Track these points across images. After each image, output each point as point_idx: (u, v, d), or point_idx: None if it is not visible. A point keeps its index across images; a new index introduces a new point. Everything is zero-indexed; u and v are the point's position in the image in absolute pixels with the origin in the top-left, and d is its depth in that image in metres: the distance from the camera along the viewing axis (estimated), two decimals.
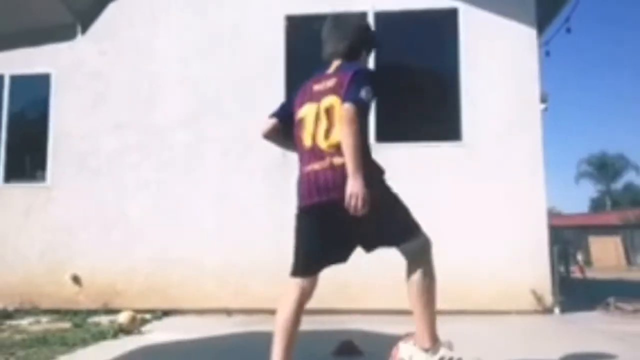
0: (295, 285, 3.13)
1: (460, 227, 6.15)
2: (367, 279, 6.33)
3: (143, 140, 6.92)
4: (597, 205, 52.66)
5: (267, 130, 3.20)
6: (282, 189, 6.65)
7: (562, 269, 11.04)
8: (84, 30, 3.39)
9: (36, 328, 5.46)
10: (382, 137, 6.55)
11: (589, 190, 69.03)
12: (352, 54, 3.16)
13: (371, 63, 6.64)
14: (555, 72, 74.17)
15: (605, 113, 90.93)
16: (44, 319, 6.05)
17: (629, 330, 5.02)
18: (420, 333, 3.00)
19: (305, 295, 3.13)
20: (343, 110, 2.76)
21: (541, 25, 7.14)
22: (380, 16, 6.73)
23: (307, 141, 2.93)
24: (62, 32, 3.46)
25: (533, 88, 6.30)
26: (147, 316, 5.99)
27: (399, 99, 6.66)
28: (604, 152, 52.22)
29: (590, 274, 15.37)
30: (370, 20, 6.73)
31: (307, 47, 6.89)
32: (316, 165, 2.87)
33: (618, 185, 53.30)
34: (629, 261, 25.28)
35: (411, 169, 6.48)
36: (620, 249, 25.45)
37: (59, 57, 6.88)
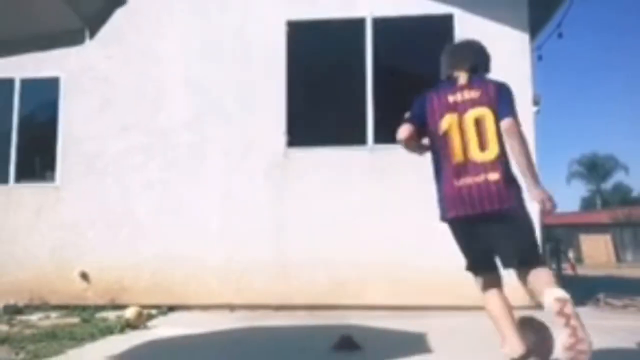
0: (484, 279, 3.06)
1: None
2: (365, 277, 6.34)
3: (148, 141, 6.93)
4: (587, 204, 52.67)
5: (408, 136, 3.10)
6: (282, 189, 6.67)
7: (554, 266, 11.04)
8: (92, 35, 3.39)
9: (46, 323, 5.46)
10: (380, 139, 6.58)
11: (580, 189, 68.96)
12: (477, 69, 3.17)
13: (369, 67, 6.70)
14: (547, 76, 74.17)
15: (596, 115, 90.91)
16: (53, 315, 6.05)
17: (618, 325, 5.03)
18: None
19: (498, 283, 3.04)
20: (508, 124, 2.87)
21: (533, 31, 7.15)
22: (378, 22, 6.74)
23: (458, 155, 2.93)
24: (71, 38, 3.46)
25: (526, 91, 6.31)
26: (153, 311, 5.99)
27: (397, 102, 6.66)
28: (595, 153, 52.27)
29: (581, 270, 15.39)
30: (369, 25, 6.74)
31: (307, 52, 6.94)
32: (469, 180, 2.89)
33: (608, 185, 53.34)
34: (619, 258, 25.29)
35: (409, 169, 6.49)
36: (610, 247, 25.47)
37: (68, 62, 6.88)
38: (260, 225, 6.59)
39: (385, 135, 6.55)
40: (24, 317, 5.87)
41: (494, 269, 3.04)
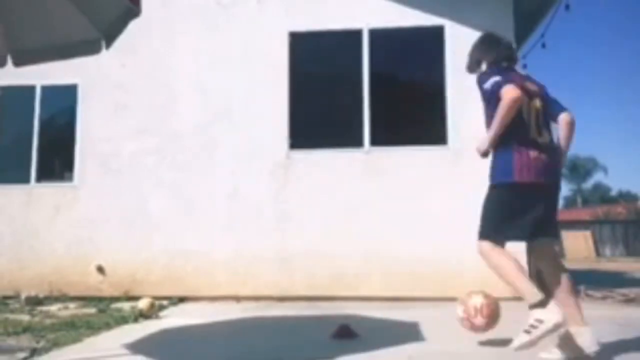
0: (503, 247, 3.09)
1: (448, 221, 6.15)
2: (362, 270, 6.34)
3: (160, 144, 6.92)
4: (569, 202, 52.64)
5: (520, 95, 3.00)
6: (284, 188, 6.67)
7: None
8: (108, 45, 3.39)
9: (64, 313, 5.46)
10: (376, 141, 6.58)
11: (562, 189, 68.81)
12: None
13: (366, 75, 6.69)
14: None
15: (577, 119, 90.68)
16: (72, 305, 6.05)
17: (598, 315, 5.02)
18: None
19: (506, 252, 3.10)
20: (569, 117, 3.24)
21: (519, 41, 7.16)
22: (374, 33, 6.74)
23: (532, 132, 3.09)
24: (88, 47, 3.45)
25: None
26: (164, 302, 5.99)
27: (391, 108, 6.67)
28: (576, 154, 52.22)
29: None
30: (365, 36, 6.74)
31: (308, 61, 6.94)
32: (535, 153, 3.03)
33: (588, 184, 53.39)
34: (598, 253, 25.29)
35: (402, 169, 6.49)
36: (590, 242, 25.45)
37: (86, 70, 6.87)
38: (264, 221, 6.59)
39: (381, 138, 6.58)
40: (44, 308, 5.87)
41: (525, 239, 3.19)
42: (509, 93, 2.94)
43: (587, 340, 2.94)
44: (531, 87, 3.18)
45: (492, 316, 3.44)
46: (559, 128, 3.25)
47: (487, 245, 3.09)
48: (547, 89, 3.30)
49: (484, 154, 3.18)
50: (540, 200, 3.06)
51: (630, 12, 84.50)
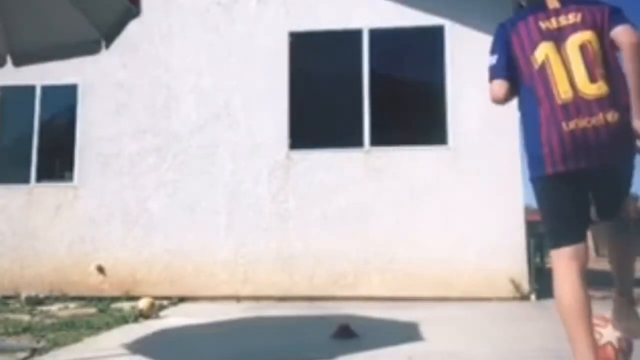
0: (567, 257, 2.23)
1: (447, 221, 6.15)
2: (361, 270, 6.34)
3: (161, 144, 6.92)
4: None
5: (506, 94, 2.32)
6: (284, 188, 6.67)
7: (537, 259, 11.04)
8: (108, 45, 3.39)
9: (65, 313, 5.46)
10: (376, 141, 6.57)
11: None
12: None
13: (366, 75, 6.69)
14: None
15: None
16: (72, 305, 6.04)
17: (598, 315, 5.02)
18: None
19: (582, 263, 2.28)
20: (624, 35, 2.14)
21: None
22: (374, 33, 6.73)
23: (564, 91, 2.15)
24: (88, 47, 3.46)
25: None
26: (165, 302, 5.99)
27: (391, 108, 6.67)
28: None
29: None
30: (365, 36, 6.74)
31: (308, 61, 6.94)
32: (583, 122, 2.11)
33: None
34: (598, 253, 25.25)
35: (402, 169, 6.49)
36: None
37: (85, 70, 6.86)
38: (264, 221, 6.59)
39: (381, 138, 6.57)
40: (44, 308, 5.87)
41: (583, 239, 2.31)
42: (490, 95, 2.36)
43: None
44: (567, 20, 2.25)
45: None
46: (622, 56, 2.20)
47: (553, 255, 2.32)
48: (613, 7, 2.27)
49: None
50: (590, 189, 2.26)
51: (630, 12, 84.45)
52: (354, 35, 6.75)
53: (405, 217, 6.31)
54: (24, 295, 6.28)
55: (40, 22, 3.42)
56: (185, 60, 7.04)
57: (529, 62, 2.27)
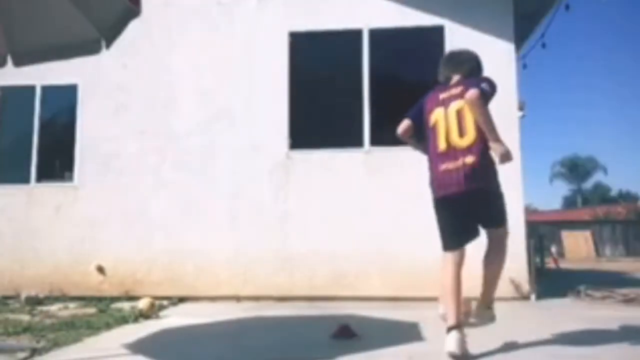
0: (450, 256, 3.29)
1: None
2: (361, 270, 6.34)
3: (161, 144, 6.92)
4: (569, 202, 52.66)
5: (404, 130, 3.47)
6: (284, 188, 6.67)
7: (537, 260, 11.04)
8: (108, 45, 3.39)
9: (65, 313, 5.46)
10: (376, 141, 6.57)
11: (562, 189, 68.81)
12: (472, 74, 3.43)
13: (366, 75, 6.69)
14: (532, 83, 74.08)
15: (577, 119, 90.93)
16: (72, 305, 6.04)
17: (598, 315, 5.03)
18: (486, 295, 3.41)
19: (459, 263, 3.27)
20: (468, 95, 3.11)
21: (519, 41, 7.14)
22: (374, 33, 6.74)
23: (441, 144, 3.21)
24: (89, 47, 3.46)
25: (511, 98, 6.30)
26: (165, 302, 5.99)
27: (391, 108, 6.66)
28: (576, 154, 52.26)
29: (563, 264, 15.39)
30: (365, 36, 6.74)
31: (308, 61, 6.94)
32: (450, 165, 3.16)
33: (588, 184, 53.32)
34: (598, 253, 25.26)
35: (402, 169, 6.49)
36: (590, 242, 25.43)
37: (86, 70, 6.87)
38: (264, 221, 6.59)
39: (381, 138, 6.57)
40: (44, 308, 5.87)
41: (463, 245, 3.29)
42: (398, 128, 3.55)
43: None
44: (455, 91, 3.29)
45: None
46: None
47: (443, 256, 3.32)
48: (483, 79, 3.31)
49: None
50: (468, 206, 3.22)
51: (630, 12, 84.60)
52: (354, 35, 6.76)
53: (405, 217, 6.30)
54: (24, 295, 6.28)
55: (40, 22, 3.42)
56: (185, 60, 7.05)
57: (428, 121, 3.35)
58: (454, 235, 3.29)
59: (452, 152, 3.18)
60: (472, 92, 3.10)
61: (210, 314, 5.27)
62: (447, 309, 3.16)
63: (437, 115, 3.29)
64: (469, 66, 3.44)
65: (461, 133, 3.16)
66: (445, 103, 3.28)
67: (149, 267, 6.67)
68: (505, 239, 3.38)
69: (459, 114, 3.20)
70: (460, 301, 3.16)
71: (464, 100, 3.15)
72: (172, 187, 6.82)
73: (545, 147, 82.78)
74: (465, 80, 3.33)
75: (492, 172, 3.26)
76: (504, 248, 3.39)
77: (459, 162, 3.14)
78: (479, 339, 3.52)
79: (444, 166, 3.20)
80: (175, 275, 6.61)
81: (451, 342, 3.01)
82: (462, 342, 3.02)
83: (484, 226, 3.35)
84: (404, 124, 3.47)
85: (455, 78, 3.39)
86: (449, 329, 3.07)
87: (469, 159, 3.13)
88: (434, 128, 3.29)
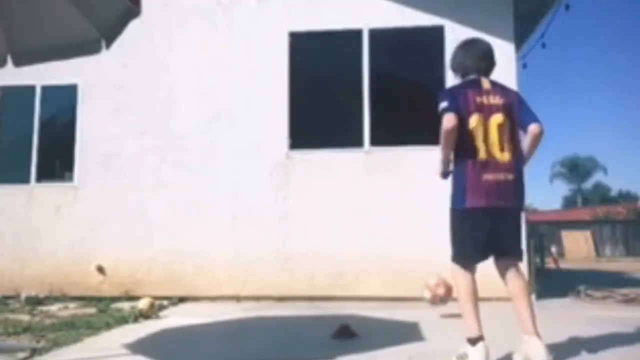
0: (462, 273, 3.14)
1: (447, 221, 6.13)
2: (361, 270, 6.34)
3: (161, 144, 6.92)
4: (569, 202, 52.63)
5: (455, 125, 3.00)
6: (284, 188, 6.67)
7: (537, 260, 11.04)
8: (108, 45, 3.39)
9: (65, 313, 5.46)
10: (376, 141, 6.58)
11: (562, 189, 68.80)
12: (490, 73, 3.29)
13: (366, 75, 6.69)
14: (531, 83, 74.10)
15: (577, 119, 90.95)
16: (72, 305, 6.04)
17: (598, 315, 5.03)
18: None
19: (473, 279, 3.14)
20: (538, 129, 3.10)
21: (519, 41, 7.14)
22: (374, 33, 6.74)
23: (482, 153, 3.03)
24: (89, 47, 3.46)
25: None
26: (165, 302, 5.99)
27: (391, 108, 6.67)
28: (576, 154, 52.20)
29: (563, 264, 15.39)
30: (365, 36, 6.74)
31: (308, 61, 6.94)
32: (492, 177, 3.02)
33: (588, 184, 53.28)
34: (598, 253, 25.27)
35: (401, 169, 6.49)
36: (590, 242, 25.44)
37: (86, 70, 6.87)
38: (264, 221, 6.59)
39: (381, 138, 6.57)
40: (44, 308, 5.87)
41: (481, 261, 3.17)
42: (445, 123, 3.00)
43: (535, 351, 2.92)
44: (494, 100, 3.10)
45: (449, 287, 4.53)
46: (527, 138, 3.18)
47: (454, 268, 3.18)
48: (520, 97, 3.23)
49: (443, 177, 3.26)
50: (497, 223, 3.08)
51: (630, 12, 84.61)
52: (354, 35, 6.76)
53: (406, 217, 6.31)
54: (24, 295, 6.28)
55: (40, 22, 3.42)
56: (185, 60, 7.05)
57: (466, 123, 3.04)
58: (475, 252, 3.12)
59: (493, 163, 3.02)
60: (540, 129, 3.11)
61: (210, 314, 5.27)
62: (466, 320, 3.02)
63: (476, 121, 3.04)
64: (490, 66, 3.31)
65: (502, 148, 3.04)
66: (484, 110, 3.06)
67: (149, 267, 6.67)
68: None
69: (500, 128, 3.06)
70: (478, 310, 3.05)
71: (530, 134, 3.11)
72: (172, 187, 6.82)
73: (545, 147, 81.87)
74: (501, 89, 3.19)
75: (524, 195, 3.19)
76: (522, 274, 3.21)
77: (501, 176, 3.02)
78: None
79: (486, 176, 3.01)
80: (175, 275, 6.61)
81: (479, 355, 2.90)
82: (488, 354, 2.92)
83: (502, 253, 3.16)
84: (454, 118, 2.99)
85: (486, 82, 3.18)
86: (474, 341, 2.94)
87: (510, 176, 3.04)
88: (473, 133, 3.04)
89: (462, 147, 3.06)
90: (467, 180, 3.05)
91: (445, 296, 4.71)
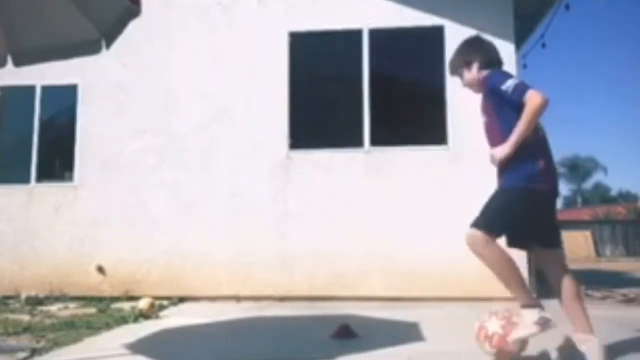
0: (496, 242, 2.99)
1: (447, 221, 6.14)
2: (361, 270, 6.34)
3: (161, 144, 6.92)
4: (569, 202, 52.63)
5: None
6: (284, 188, 6.67)
7: None
8: (108, 45, 3.39)
9: (65, 313, 5.46)
10: (376, 141, 6.58)
11: (562, 189, 68.91)
12: None
13: (366, 75, 6.69)
14: (532, 82, 73.79)
15: (578, 119, 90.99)
16: (72, 305, 6.05)
17: (597, 315, 4.99)
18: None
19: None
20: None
21: (519, 41, 7.15)
22: (374, 33, 6.74)
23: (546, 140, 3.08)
24: (89, 47, 3.45)
25: None
26: (165, 302, 5.99)
27: (391, 108, 6.67)
28: (576, 154, 52.24)
29: None
30: (365, 36, 6.74)
31: (307, 60, 6.94)
32: (552, 163, 3.09)
33: (588, 184, 53.34)
34: (598, 253, 25.26)
35: (402, 169, 6.49)
36: (590, 242, 25.42)
37: (86, 70, 6.87)
38: (264, 221, 6.59)
39: (381, 138, 6.57)
40: (44, 308, 5.87)
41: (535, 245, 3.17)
42: (539, 97, 2.85)
43: (591, 350, 2.89)
44: None
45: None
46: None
47: (482, 235, 2.96)
48: None
49: (503, 160, 3.00)
50: (552, 208, 3.12)
51: (630, 12, 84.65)
52: (354, 35, 6.76)
53: (405, 217, 6.31)
54: (24, 295, 6.28)
55: (40, 22, 3.42)
56: (185, 60, 7.05)
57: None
58: (522, 233, 3.05)
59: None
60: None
61: (210, 314, 5.27)
62: (514, 287, 2.99)
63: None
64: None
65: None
66: None
67: (148, 267, 6.67)
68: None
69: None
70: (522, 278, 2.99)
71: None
72: (171, 187, 6.82)
73: None
74: None
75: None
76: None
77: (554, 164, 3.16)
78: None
79: (552, 164, 3.07)
80: (175, 276, 6.61)
81: (535, 316, 2.87)
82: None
83: (553, 241, 3.18)
84: (546, 96, 2.89)
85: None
86: (529, 305, 2.93)
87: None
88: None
89: (534, 131, 3.00)
90: (543, 163, 2.98)
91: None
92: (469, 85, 3.33)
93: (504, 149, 2.96)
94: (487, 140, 3.20)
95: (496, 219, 2.98)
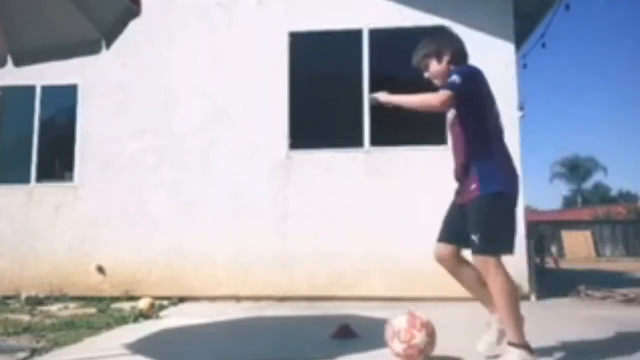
0: (501, 264, 2.86)
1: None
2: (361, 270, 6.34)
3: (161, 144, 6.92)
4: (569, 202, 52.62)
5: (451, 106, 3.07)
6: (284, 188, 6.67)
7: (537, 260, 11.03)
8: (108, 45, 3.39)
9: (64, 313, 5.46)
10: (376, 141, 6.58)
11: (562, 189, 68.78)
12: None
13: (366, 75, 6.69)
14: (531, 83, 74.07)
15: (578, 119, 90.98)
16: (72, 305, 6.05)
17: (597, 315, 5.03)
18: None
19: None
20: None
21: (519, 41, 7.15)
22: (373, 33, 6.74)
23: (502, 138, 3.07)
24: (89, 47, 3.46)
25: (511, 98, 6.30)
26: (165, 302, 5.99)
27: (391, 108, 6.66)
28: (576, 154, 52.20)
29: (563, 264, 15.39)
30: (365, 36, 6.74)
31: (307, 60, 6.94)
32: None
33: (588, 184, 53.29)
34: (598, 253, 25.26)
35: (402, 169, 6.49)
36: (590, 242, 25.43)
37: (86, 70, 6.87)
38: (264, 221, 6.60)
39: (381, 138, 6.57)
40: (44, 308, 5.87)
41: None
42: (437, 99, 3.04)
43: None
44: None
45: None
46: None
47: (495, 262, 2.83)
48: None
49: (384, 104, 3.25)
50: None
51: (630, 12, 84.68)
52: (354, 35, 6.76)
53: (405, 217, 6.31)
54: (24, 295, 6.28)
55: (40, 22, 3.42)
56: (185, 60, 7.05)
57: (496, 110, 3.09)
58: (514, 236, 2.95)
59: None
60: None
61: (210, 314, 5.27)
62: (512, 323, 2.81)
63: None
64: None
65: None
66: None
67: (148, 267, 6.67)
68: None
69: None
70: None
71: None
72: (171, 187, 6.82)
73: (545, 147, 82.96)
74: None
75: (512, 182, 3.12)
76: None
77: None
78: (479, 339, 3.52)
79: (512, 164, 3.02)
80: (175, 276, 6.61)
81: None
82: None
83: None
84: (452, 99, 2.97)
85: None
86: (526, 346, 2.79)
87: None
88: (499, 122, 3.08)
89: (493, 131, 3.02)
90: (506, 165, 2.97)
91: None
92: (433, 76, 3.30)
93: (387, 97, 3.25)
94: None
95: (503, 236, 2.89)
